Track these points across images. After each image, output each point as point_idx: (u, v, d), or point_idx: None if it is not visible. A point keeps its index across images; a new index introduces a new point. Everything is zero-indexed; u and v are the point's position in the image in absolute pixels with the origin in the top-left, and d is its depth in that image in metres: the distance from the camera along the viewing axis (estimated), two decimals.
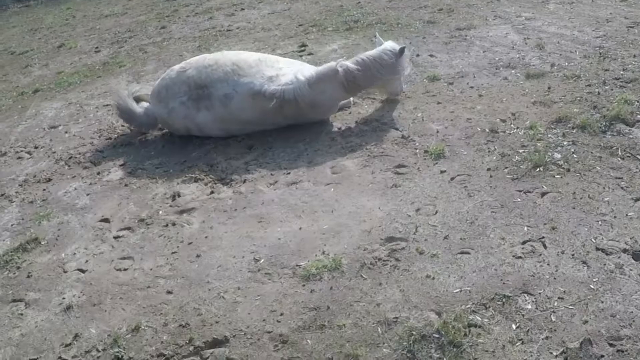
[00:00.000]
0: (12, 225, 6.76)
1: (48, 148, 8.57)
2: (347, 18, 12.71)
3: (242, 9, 15.31)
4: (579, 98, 7.47)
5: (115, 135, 8.52)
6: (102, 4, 20.32)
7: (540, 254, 4.99)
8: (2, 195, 7.45)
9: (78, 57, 13.58)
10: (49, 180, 7.61)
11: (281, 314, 4.80)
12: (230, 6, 15.97)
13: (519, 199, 5.72)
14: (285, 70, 7.50)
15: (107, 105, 9.80)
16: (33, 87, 11.82)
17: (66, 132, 9.03)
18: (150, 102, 7.92)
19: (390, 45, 7.64)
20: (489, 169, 6.22)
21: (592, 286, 4.60)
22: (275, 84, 7.28)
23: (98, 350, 4.78)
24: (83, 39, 15.10)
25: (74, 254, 6.04)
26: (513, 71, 8.67)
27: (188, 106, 7.49)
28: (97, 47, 14.00)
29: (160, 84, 7.77)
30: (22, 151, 8.67)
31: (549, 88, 7.87)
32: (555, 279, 4.71)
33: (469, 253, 5.12)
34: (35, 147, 8.70)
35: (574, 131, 6.71)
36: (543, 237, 5.16)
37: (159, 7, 17.63)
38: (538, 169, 6.09)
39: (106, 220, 6.51)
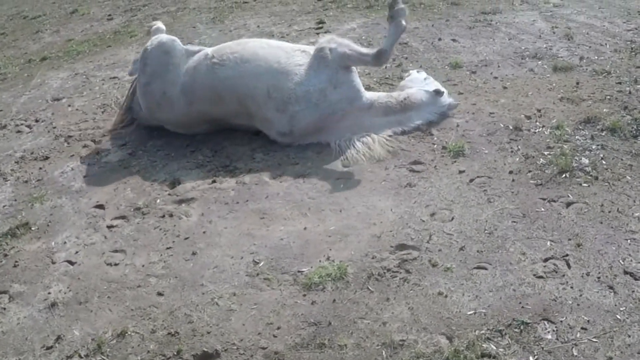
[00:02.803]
0: (4, 206, 6.45)
1: (49, 122, 8.22)
2: None
3: None
4: (608, 97, 7.05)
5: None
6: None
7: (564, 275, 4.59)
8: None
9: (90, 24, 13.21)
10: (47, 158, 7.28)
11: (278, 328, 4.44)
12: None
13: (543, 209, 5.31)
14: None
15: (113, 77, 9.39)
16: (41, 54, 11.47)
17: (69, 106, 8.67)
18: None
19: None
20: (511, 172, 5.81)
21: (618, 316, 4.22)
22: None
23: (80, 356, 4.46)
24: (97, 5, 14.70)
25: (64, 242, 5.71)
26: (540, 62, 8.23)
27: None
28: (109, 15, 13.62)
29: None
30: (22, 124, 8.34)
31: (577, 83, 7.43)
32: (578, 305, 4.32)
33: (486, 269, 4.74)
34: (36, 121, 8.36)
35: (603, 134, 6.30)
36: (567, 255, 4.76)
37: None
38: (564, 175, 5.69)
39: (101, 206, 6.17)
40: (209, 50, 7.00)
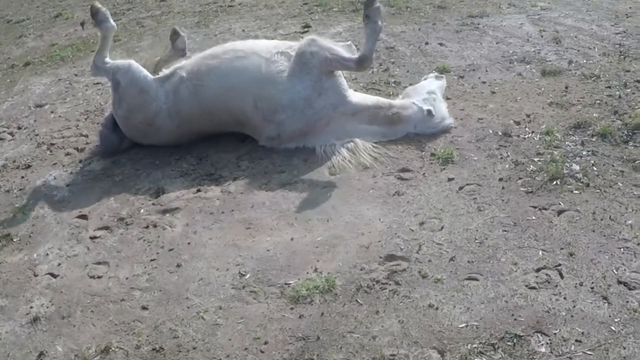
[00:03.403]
0: None
1: (31, 130, 8.07)
2: None
3: None
4: (598, 101, 6.98)
5: (102, 118, 7.94)
6: None
7: (557, 285, 4.51)
8: None
9: (74, 28, 13.04)
10: (29, 166, 7.12)
11: (265, 343, 4.34)
12: None
13: (534, 217, 5.23)
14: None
15: (97, 83, 9.25)
16: (24, 59, 11.31)
17: (52, 112, 8.53)
18: None
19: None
20: (501, 179, 5.73)
21: (613, 327, 4.14)
22: None
23: None
24: (81, 9, 14.54)
25: (47, 254, 5.58)
26: (528, 66, 8.16)
27: None
28: None
29: None
30: (4, 132, 8.19)
31: (567, 88, 7.36)
32: (572, 317, 4.24)
33: (477, 279, 4.65)
34: (19, 128, 8.21)
35: (594, 139, 6.23)
36: (559, 265, 4.68)
37: None
38: (555, 182, 5.62)
39: (84, 216, 6.04)
40: (182, 73, 6.76)
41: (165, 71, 6.88)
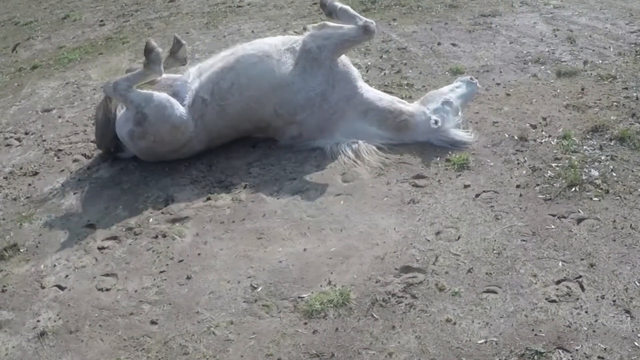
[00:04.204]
0: None
1: (39, 135, 7.95)
2: None
3: None
4: (615, 103, 6.84)
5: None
6: None
7: (577, 298, 4.39)
8: None
9: (81, 30, 12.94)
10: (36, 173, 7.00)
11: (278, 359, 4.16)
12: None
13: (553, 226, 5.10)
14: None
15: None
16: (32, 62, 11.19)
17: (59, 117, 8.40)
18: None
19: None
20: (518, 186, 5.60)
21: (636, 343, 4.04)
22: None
23: None
24: (89, 11, 14.43)
25: (54, 265, 5.46)
26: (542, 67, 8.01)
27: None
28: (101, 20, 13.34)
29: None
30: (11, 137, 8.07)
31: (583, 89, 7.22)
32: (594, 331, 4.12)
33: (495, 292, 4.53)
34: (26, 134, 8.09)
35: (612, 143, 6.10)
36: (580, 277, 4.56)
37: None
38: (573, 189, 5.49)
39: (92, 226, 5.92)
40: (204, 95, 6.53)
41: (187, 99, 6.59)
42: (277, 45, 6.70)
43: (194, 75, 6.71)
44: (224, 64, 6.61)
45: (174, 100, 6.45)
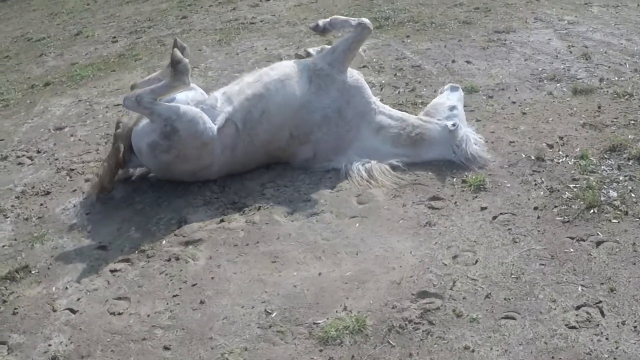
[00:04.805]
0: (3, 246, 6.13)
1: (51, 154, 7.92)
2: (378, 14, 11.96)
3: (267, 0, 14.55)
4: (633, 122, 6.79)
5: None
6: None
7: (598, 324, 4.30)
8: None
9: (94, 47, 12.95)
10: (48, 193, 6.96)
11: None
12: None
13: (572, 249, 5.01)
14: None
15: (117, 105, 9.09)
16: (44, 79, 11.20)
17: (72, 135, 8.38)
18: None
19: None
20: (536, 208, 5.53)
21: None
22: None
23: None
24: (101, 27, 14.45)
25: (66, 288, 5.40)
26: (558, 85, 7.95)
27: None
28: (114, 37, 13.35)
29: None
30: (23, 156, 8.05)
31: (599, 107, 7.15)
32: (615, 359, 3.98)
33: (514, 319, 4.44)
34: (38, 152, 8.06)
35: (630, 163, 6.04)
36: (600, 302, 4.47)
37: None
38: (592, 211, 5.41)
39: (104, 247, 5.86)
40: (238, 123, 6.41)
41: (219, 116, 6.45)
42: (294, 67, 6.68)
43: (222, 100, 6.56)
44: (253, 91, 6.49)
45: (206, 117, 6.31)
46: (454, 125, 6.42)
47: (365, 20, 6.73)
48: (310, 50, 7.11)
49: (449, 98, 6.94)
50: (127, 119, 6.72)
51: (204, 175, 6.55)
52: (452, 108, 6.75)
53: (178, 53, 6.39)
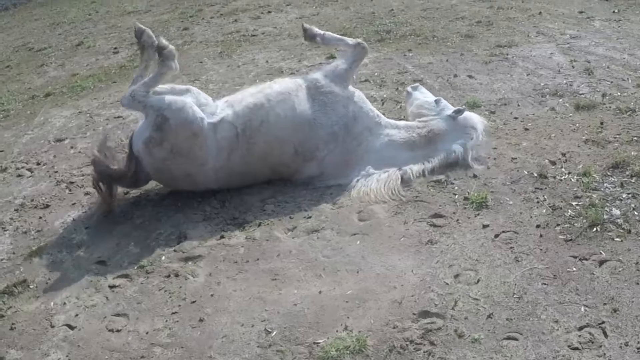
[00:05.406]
0: (1, 260, 6.09)
1: (50, 166, 7.89)
2: (379, 28, 11.96)
3: (269, 12, 14.58)
4: (636, 138, 6.76)
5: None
6: None
7: (601, 345, 4.25)
8: None
9: (95, 57, 12.93)
10: (47, 206, 6.92)
11: None
12: (257, 8, 15.24)
13: (574, 268, 4.96)
14: None
15: (118, 117, 9.06)
16: (45, 90, 11.18)
17: (72, 148, 8.35)
18: None
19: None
20: (538, 226, 5.48)
21: None
22: None
23: None
24: (102, 38, 14.45)
25: (64, 303, 5.35)
26: (561, 100, 7.92)
27: None
28: (115, 48, 13.35)
29: None
30: (23, 167, 8.02)
31: (602, 123, 7.12)
32: None
33: (516, 339, 4.39)
34: (38, 164, 8.03)
35: (633, 180, 6.00)
36: (603, 322, 4.42)
37: (183, 5, 16.93)
38: (595, 229, 5.36)
39: (103, 262, 5.82)
40: (238, 127, 6.41)
41: (216, 115, 6.47)
42: (297, 83, 6.70)
43: (223, 106, 6.57)
44: (254, 100, 6.51)
45: (196, 108, 6.33)
46: (456, 112, 6.68)
47: (362, 41, 6.92)
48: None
49: (425, 95, 7.18)
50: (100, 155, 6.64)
51: (201, 181, 6.51)
52: (438, 101, 6.95)
53: (161, 39, 6.48)
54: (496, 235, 5.47)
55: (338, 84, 6.66)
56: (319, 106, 6.55)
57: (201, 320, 4.96)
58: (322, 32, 7.05)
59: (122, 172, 6.39)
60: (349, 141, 6.55)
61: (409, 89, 7.42)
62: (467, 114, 6.80)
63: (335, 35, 7.10)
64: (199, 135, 6.26)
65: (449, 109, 6.82)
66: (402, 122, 6.92)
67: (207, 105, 6.51)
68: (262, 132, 6.38)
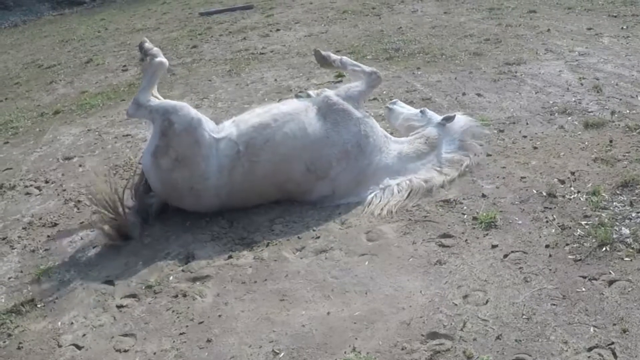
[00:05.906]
0: (9, 278, 6.09)
1: (59, 184, 7.90)
2: (388, 45, 11.98)
3: (278, 30, 14.62)
4: None
5: (131, 173, 7.72)
6: (136, 16, 19.80)
7: None
8: (4, 239, 6.79)
9: (104, 75, 12.98)
10: (55, 225, 6.92)
11: None
12: (266, 26, 15.30)
13: (584, 289, 4.92)
14: None
15: (126, 135, 9.08)
16: (54, 107, 11.24)
17: (80, 166, 8.37)
18: None
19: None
20: (547, 246, 5.44)
21: None
22: None
23: None
24: (112, 55, 14.51)
25: (72, 323, 5.33)
26: (569, 118, 7.89)
27: None
28: (124, 65, 13.40)
29: None
30: (31, 185, 8.03)
31: (611, 142, 7.08)
32: None
33: None
34: (46, 182, 8.04)
35: None
36: (612, 343, 4.37)
37: (192, 23, 17.02)
38: (604, 248, 5.32)
39: (110, 282, 5.80)
40: (240, 145, 6.43)
41: (222, 130, 6.55)
42: (306, 103, 6.76)
43: (230, 126, 6.63)
44: (260, 120, 6.55)
45: (201, 116, 6.47)
46: (445, 119, 6.96)
47: (377, 71, 7.10)
48: (310, 92, 7.12)
49: (406, 108, 7.48)
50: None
51: (204, 197, 6.50)
52: (423, 112, 7.21)
53: (145, 43, 6.79)
54: (505, 256, 5.43)
55: (351, 104, 6.76)
56: (331, 124, 6.60)
57: (209, 340, 4.93)
58: (339, 57, 7.27)
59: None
60: (361, 159, 6.58)
61: (388, 105, 7.63)
62: (456, 118, 7.04)
63: (352, 61, 7.26)
64: (201, 144, 6.33)
65: (436, 117, 7.05)
66: (403, 138, 7.05)
67: (213, 129, 6.59)
68: (266, 150, 6.38)
